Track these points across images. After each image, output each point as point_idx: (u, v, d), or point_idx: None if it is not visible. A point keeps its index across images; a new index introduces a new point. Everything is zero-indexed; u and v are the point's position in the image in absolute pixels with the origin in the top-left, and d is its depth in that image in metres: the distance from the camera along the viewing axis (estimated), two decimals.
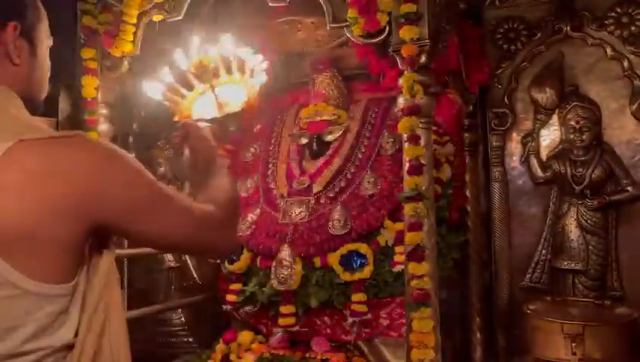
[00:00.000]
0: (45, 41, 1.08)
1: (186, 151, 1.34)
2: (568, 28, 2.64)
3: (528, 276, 2.70)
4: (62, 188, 0.87)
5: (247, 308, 2.53)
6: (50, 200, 0.86)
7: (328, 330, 2.39)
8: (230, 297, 2.54)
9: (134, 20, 2.29)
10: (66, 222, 0.87)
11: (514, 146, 2.77)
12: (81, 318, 0.92)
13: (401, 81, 1.92)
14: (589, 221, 2.52)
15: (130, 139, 3.48)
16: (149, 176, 1.00)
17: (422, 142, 1.91)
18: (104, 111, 2.41)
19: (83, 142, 0.94)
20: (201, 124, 1.40)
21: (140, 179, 0.98)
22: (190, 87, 1.48)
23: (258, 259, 2.49)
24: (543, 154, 2.70)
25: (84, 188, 0.88)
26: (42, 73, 1.08)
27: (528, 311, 2.47)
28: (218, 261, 2.64)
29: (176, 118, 1.48)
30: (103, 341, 0.95)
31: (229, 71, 1.49)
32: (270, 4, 2.26)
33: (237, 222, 1.23)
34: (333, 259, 2.33)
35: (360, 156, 2.57)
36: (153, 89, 1.52)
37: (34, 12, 1.05)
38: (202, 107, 1.48)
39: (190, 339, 3.06)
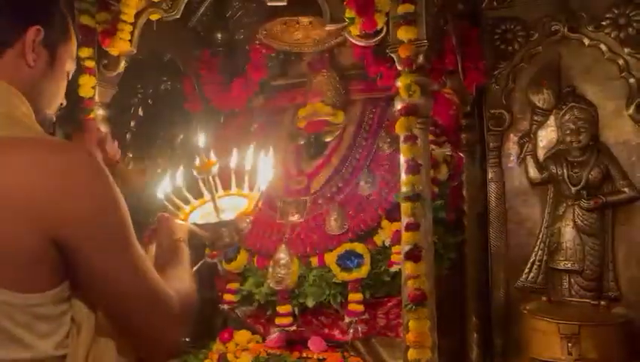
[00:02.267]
0: (67, 62, 1.09)
1: (153, 247, 1.31)
2: (565, 29, 2.64)
3: (525, 276, 2.71)
4: (24, 192, 0.83)
5: (244, 308, 2.54)
6: (9, 200, 0.82)
7: (325, 330, 2.40)
8: (227, 296, 2.54)
9: (132, 19, 2.29)
10: (19, 229, 0.83)
11: (511, 147, 2.78)
12: (69, 335, 0.90)
13: (398, 82, 1.92)
14: (585, 222, 2.53)
15: (128, 137, 3.49)
16: (124, 218, 0.93)
17: (419, 142, 1.91)
18: (101, 111, 2.40)
19: (69, 151, 0.90)
20: (190, 226, 1.39)
21: (117, 212, 0.91)
22: (198, 196, 1.48)
23: (255, 259, 2.50)
24: (540, 155, 2.70)
25: (50, 196, 0.84)
26: (56, 89, 1.08)
27: (525, 311, 2.47)
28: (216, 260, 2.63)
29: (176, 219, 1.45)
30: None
31: (239, 185, 1.49)
32: (268, 4, 2.27)
33: (187, 324, 1.10)
34: (330, 258, 2.33)
35: (357, 156, 2.57)
36: (160, 189, 1.51)
37: (63, 30, 1.07)
38: (202, 214, 1.48)
39: (187, 339, 3.06)
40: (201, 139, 1.50)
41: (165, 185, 1.53)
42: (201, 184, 1.46)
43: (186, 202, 1.53)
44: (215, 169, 1.44)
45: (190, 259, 1.28)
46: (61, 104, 1.14)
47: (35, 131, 0.94)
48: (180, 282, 1.09)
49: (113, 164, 1.36)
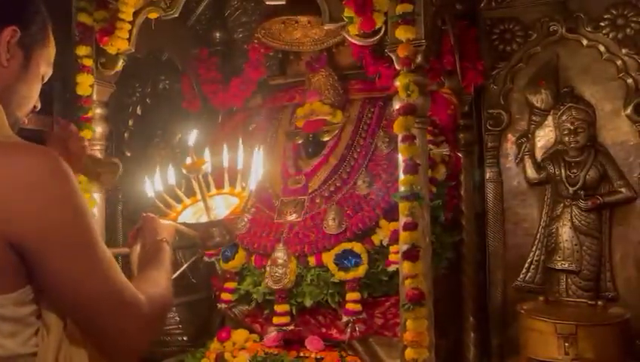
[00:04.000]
0: (43, 66, 1.09)
1: (138, 247, 1.31)
2: (563, 29, 2.65)
3: (522, 276, 2.71)
4: None
5: (242, 307, 2.53)
6: None
7: (323, 329, 2.40)
8: (225, 296, 2.54)
9: (130, 18, 2.29)
10: None
11: (509, 147, 2.78)
12: (38, 334, 0.91)
13: (397, 81, 1.92)
14: (582, 222, 2.53)
15: (126, 136, 3.48)
16: (85, 221, 0.91)
17: (417, 141, 1.92)
18: (99, 109, 2.40)
19: (27, 152, 0.88)
20: (178, 226, 1.38)
21: (77, 215, 0.90)
22: (189, 195, 1.48)
23: (253, 258, 2.49)
24: (538, 155, 2.71)
25: (6, 199, 0.84)
26: (28, 91, 1.07)
27: (522, 311, 2.47)
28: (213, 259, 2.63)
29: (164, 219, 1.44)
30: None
31: (232, 183, 1.50)
32: (267, 3, 2.26)
33: (157, 328, 1.08)
34: (328, 258, 2.33)
35: (355, 155, 2.57)
36: (149, 187, 1.51)
37: (42, 33, 1.07)
38: (193, 213, 1.48)
39: (184, 338, 3.06)
40: (191, 138, 1.50)
41: (156, 183, 1.52)
42: (194, 182, 1.45)
43: (178, 200, 1.52)
44: (205, 168, 1.43)
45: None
46: (34, 107, 1.13)
47: None
48: (153, 285, 1.07)
49: (78, 160, 1.35)
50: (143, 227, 1.32)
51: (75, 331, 0.96)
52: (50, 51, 1.12)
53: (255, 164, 1.53)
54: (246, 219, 2.56)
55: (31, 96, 1.09)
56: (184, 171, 1.44)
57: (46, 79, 1.13)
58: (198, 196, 1.46)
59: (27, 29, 1.02)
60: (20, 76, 1.03)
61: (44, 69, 1.10)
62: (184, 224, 1.42)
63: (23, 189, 0.85)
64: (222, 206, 1.48)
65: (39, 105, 1.15)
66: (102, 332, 0.95)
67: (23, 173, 0.86)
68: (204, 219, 1.43)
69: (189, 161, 1.43)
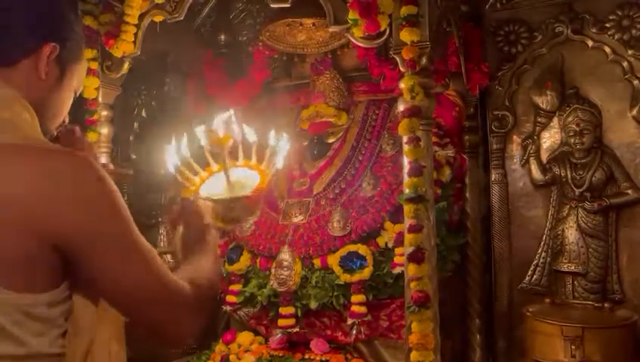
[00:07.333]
0: (74, 82, 1.15)
1: (180, 228, 1.31)
2: (569, 31, 2.64)
3: (528, 278, 2.70)
4: (22, 199, 0.86)
5: (247, 309, 2.54)
6: (7, 207, 0.85)
7: (328, 332, 2.40)
8: (230, 298, 2.54)
9: (135, 21, 2.30)
10: (17, 233, 0.85)
11: (514, 148, 2.77)
12: (67, 335, 0.92)
13: (401, 83, 1.92)
14: (589, 224, 2.52)
15: (131, 138, 3.49)
16: (126, 218, 0.95)
17: (422, 143, 1.91)
18: (105, 112, 2.41)
19: (65, 156, 0.92)
20: (203, 203, 1.37)
21: (117, 214, 0.93)
22: (205, 165, 1.47)
23: (258, 260, 2.50)
24: (544, 157, 2.70)
25: (48, 203, 0.87)
26: (60, 104, 1.13)
27: (528, 314, 2.46)
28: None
29: (183, 194, 1.42)
30: None
31: (247, 155, 1.49)
32: (271, 5, 2.27)
33: (207, 311, 1.13)
34: (333, 260, 2.33)
35: (360, 157, 2.57)
36: (169, 162, 1.50)
37: (77, 51, 1.14)
38: (212, 186, 1.48)
39: (189, 340, 3.06)
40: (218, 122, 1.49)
41: (173, 156, 1.50)
42: (207, 155, 1.44)
43: (194, 173, 1.50)
44: (230, 144, 1.42)
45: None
46: (63, 121, 1.18)
47: (32, 139, 0.96)
48: (197, 272, 1.11)
49: None
50: (186, 211, 1.33)
51: (103, 333, 0.99)
52: (83, 68, 1.18)
53: (282, 143, 1.52)
54: (251, 221, 2.57)
55: (62, 110, 1.15)
56: (209, 146, 1.42)
57: (78, 93, 1.19)
58: (213, 168, 1.45)
59: (65, 46, 1.08)
60: (54, 89, 1.09)
61: (77, 84, 1.17)
62: (209, 199, 1.41)
63: (67, 193, 0.88)
64: (241, 177, 1.45)
65: (68, 120, 1.20)
66: (149, 322, 0.99)
67: (66, 178, 0.89)
68: (219, 191, 1.41)
69: (214, 135, 1.41)
